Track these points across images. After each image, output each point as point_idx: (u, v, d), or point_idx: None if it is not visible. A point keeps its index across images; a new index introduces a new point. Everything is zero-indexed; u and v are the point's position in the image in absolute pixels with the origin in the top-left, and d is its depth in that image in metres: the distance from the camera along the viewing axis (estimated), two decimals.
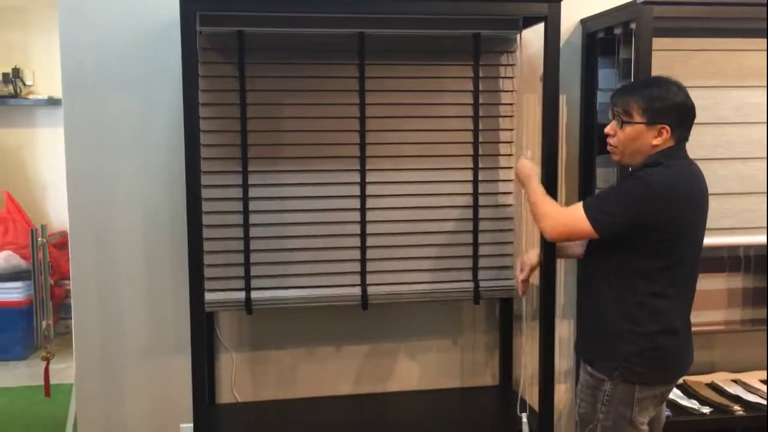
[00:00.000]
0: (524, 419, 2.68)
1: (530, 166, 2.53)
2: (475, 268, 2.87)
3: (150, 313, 2.85)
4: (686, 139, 2.25)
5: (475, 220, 2.86)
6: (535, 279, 2.78)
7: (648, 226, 2.17)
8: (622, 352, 2.26)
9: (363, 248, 2.79)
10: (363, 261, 2.79)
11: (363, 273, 2.80)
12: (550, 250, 2.58)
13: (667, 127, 2.19)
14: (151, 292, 2.84)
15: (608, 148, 2.32)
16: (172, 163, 2.76)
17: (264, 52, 2.68)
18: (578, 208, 2.26)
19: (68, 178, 2.77)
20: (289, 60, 2.70)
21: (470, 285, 2.86)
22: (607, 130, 2.30)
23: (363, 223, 2.78)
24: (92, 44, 2.71)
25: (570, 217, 2.28)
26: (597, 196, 2.32)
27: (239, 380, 2.94)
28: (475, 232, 2.86)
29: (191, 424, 2.84)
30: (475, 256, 2.87)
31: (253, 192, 2.71)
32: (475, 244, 2.87)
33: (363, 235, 2.79)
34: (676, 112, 2.20)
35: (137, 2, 2.72)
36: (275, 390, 2.98)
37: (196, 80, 2.40)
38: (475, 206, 2.85)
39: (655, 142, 2.21)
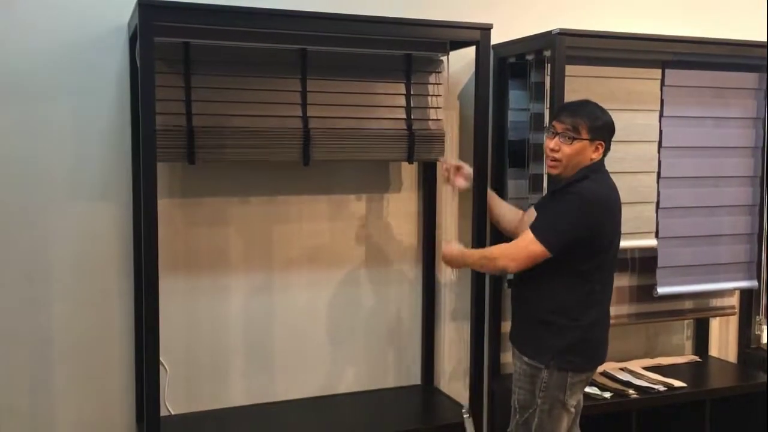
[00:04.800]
0: (466, 416, 2.87)
1: (453, 247, 2.73)
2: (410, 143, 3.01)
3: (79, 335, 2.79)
4: (606, 154, 2.58)
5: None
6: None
7: (588, 235, 2.45)
8: (557, 344, 2.52)
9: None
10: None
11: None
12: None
13: (602, 143, 2.51)
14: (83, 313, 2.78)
15: (550, 162, 2.56)
16: (107, 174, 2.76)
17: (209, 64, 2.73)
18: (528, 235, 2.47)
19: None
20: (235, 72, 2.75)
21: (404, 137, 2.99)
22: (552, 146, 2.53)
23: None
24: (23, 48, 2.64)
25: (523, 247, 2.48)
26: (541, 220, 2.52)
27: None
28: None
29: None
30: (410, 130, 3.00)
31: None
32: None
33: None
34: (609, 129, 2.53)
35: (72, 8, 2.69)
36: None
37: (153, 89, 2.42)
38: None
39: (593, 156, 2.51)
